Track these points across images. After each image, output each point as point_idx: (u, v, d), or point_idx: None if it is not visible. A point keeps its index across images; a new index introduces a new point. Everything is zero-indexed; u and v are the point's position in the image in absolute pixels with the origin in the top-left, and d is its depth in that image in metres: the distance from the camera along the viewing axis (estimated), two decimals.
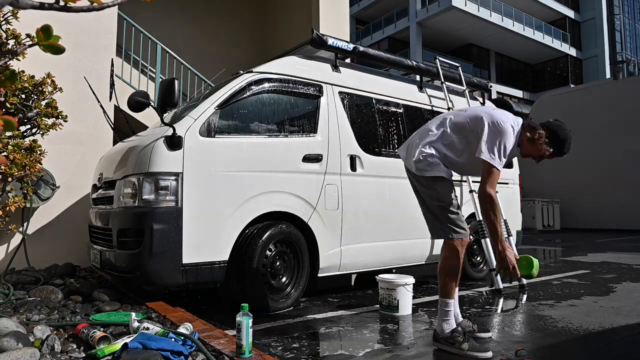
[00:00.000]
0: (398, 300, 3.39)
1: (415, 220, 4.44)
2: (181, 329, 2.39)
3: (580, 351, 2.59)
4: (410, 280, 3.44)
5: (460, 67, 5.49)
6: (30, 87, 3.61)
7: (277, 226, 3.42)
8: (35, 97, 3.69)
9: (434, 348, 2.58)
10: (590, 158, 15.83)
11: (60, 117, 3.82)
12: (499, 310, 3.55)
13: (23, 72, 3.63)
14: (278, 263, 3.49)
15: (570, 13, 30.03)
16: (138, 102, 3.12)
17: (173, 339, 2.20)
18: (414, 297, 3.52)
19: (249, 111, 3.53)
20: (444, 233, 2.55)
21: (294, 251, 3.58)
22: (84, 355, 2.17)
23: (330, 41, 4.05)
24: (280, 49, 6.05)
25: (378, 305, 3.56)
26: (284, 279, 3.53)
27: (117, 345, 2.14)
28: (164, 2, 7.95)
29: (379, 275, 3.54)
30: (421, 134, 2.72)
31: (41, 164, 3.70)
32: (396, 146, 4.42)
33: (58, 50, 0.88)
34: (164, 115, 3.22)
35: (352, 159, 3.98)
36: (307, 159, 3.68)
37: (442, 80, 5.15)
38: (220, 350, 2.21)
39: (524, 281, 4.52)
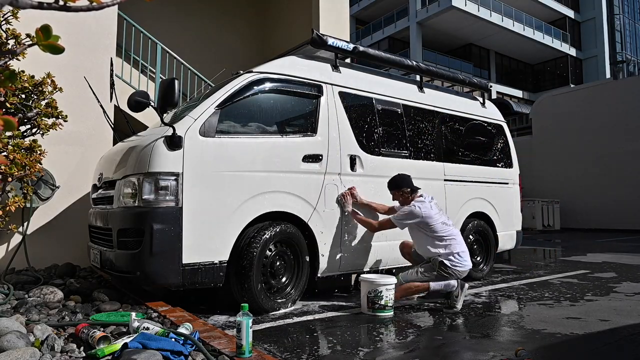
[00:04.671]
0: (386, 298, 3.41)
1: None
2: (181, 329, 2.40)
3: (580, 351, 2.59)
4: (391, 280, 3.43)
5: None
6: (30, 87, 3.61)
7: (277, 226, 3.42)
8: (35, 97, 3.69)
9: (435, 345, 2.58)
10: (590, 158, 15.82)
11: (60, 117, 3.82)
12: (500, 311, 3.55)
13: (23, 72, 3.63)
14: (278, 263, 3.49)
15: (570, 13, 30.01)
16: (138, 102, 3.11)
17: (173, 339, 2.20)
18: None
19: (249, 111, 3.53)
20: None
21: (293, 251, 3.58)
22: (84, 355, 2.18)
23: (330, 41, 4.05)
24: (280, 49, 6.04)
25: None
26: (283, 279, 3.53)
27: (117, 345, 2.14)
28: (164, 2, 7.95)
29: (362, 275, 3.53)
30: None
31: (41, 164, 3.70)
32: (396, 146, 4.43)
33: (58, 50, 0.88)
34: (164, 115, 3.22)
35: (352, 159, 3.98)
36: (307, 158, 3.68)
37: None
38: (220, 350, 2.21)
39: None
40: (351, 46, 4.22)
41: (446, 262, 3.66)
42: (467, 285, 3.64)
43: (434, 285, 3.62)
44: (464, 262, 3.73)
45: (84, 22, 5.02)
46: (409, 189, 3.88)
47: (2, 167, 3.20)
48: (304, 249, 3.61)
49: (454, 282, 3.60)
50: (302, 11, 8.11)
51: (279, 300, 3.44)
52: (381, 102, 4.42)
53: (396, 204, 4.04)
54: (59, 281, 3.91)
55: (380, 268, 4.20)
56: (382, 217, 4.03)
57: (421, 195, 3.90)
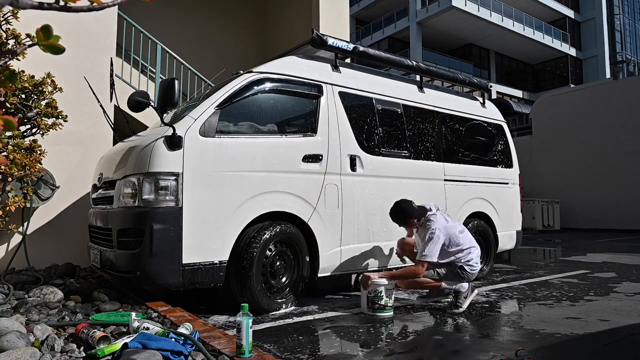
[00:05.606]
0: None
1: None
2: (181, 329, 2.40)
3: (580, 351, 2.59)
4: (382, 281, 3.42)
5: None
6: (30, 87, 3.61)
7: (277, 226, 3.42)
8: (35, 97, 3.69)
9: (435, 345, 2.58)
10: (590, 158, 15.82)
11: (60, 117, 3.82)
12: (500, 311, 3.55)
13: (23, 72, 3.63)
14: (278, 263, 3.49)
15: (570, 13, 30.02)
16: (138, 102, 3.11)
17: (173, 339, 2.20)
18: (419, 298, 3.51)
19: (248, 111, 3.53)
20: None
21: (293, 251, 3.58)
22: (84, 355, 2.18)
23: (330, 41, 4.05)
24: (280, 49, 6.04)
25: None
26: (283, 279, 3.53)
27: (117, 345, 2.14)
28: (164, 2, 7.95)
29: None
30: None
31: (41, 164, 3.70)
32: (396, 146, 4.42)
33: (58, 50, 0.88)
34: (164, 115, 3.22)
35: (352, 159, 3.98)
36: (307, 158, 3.68)
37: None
38: (220, 350, 2.21)
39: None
40: (351, 46, 4.22)
41: (466, 267, 3.66)
42: (477, 290, 3.63)
43: (445, 284, 3.62)
44: (478, 266, 3.77)
45: (84, 22, 5.02)
46: (421, 217, 3.73)
47: (2, 167, 3.20)
48: (304, 249, 3.61)
49: (465, 285, 3.61)
50: (302, 11, 8.11)
51: (279, 300, 3.44)
52: (381, 102, 4.42)
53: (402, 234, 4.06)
54: (59, 281, 3.91)
55: (380, 268, 4.19)
56: (410, 263, 3.98)
57: (428, 210, 3.81)
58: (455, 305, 3.52)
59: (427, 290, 3.89)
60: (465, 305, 3.50)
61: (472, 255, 3.71)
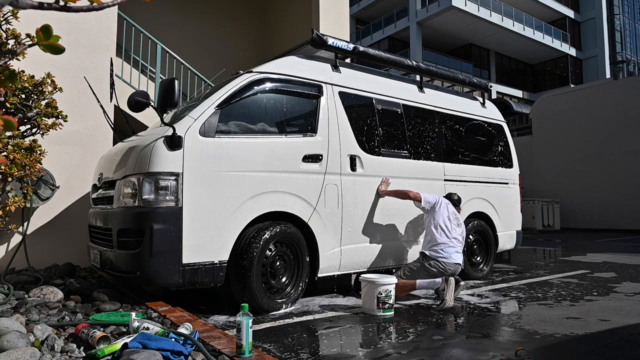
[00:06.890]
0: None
1: (415, 221, 4.45)
2: (181, 329, 2.40)
3: (580, 351, 2.59)
4: (395, 279, 3.47)
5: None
6: (30, 87, 3.61)
7: (277, 226, 3.42)
8: (35, 97, 3.69)
9: (435, 345, 2.58)
10: (590, 158, 15.82)
11: (60, 117, 3.82)
12: (500, 311, 3.55)
13: (23, 72, 3.63)
14: (278, 263, 3.49)
15: (570, 13, 30.00)
16: (138, 102, 3.11)
17: (173, 339, 2.20)
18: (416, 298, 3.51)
19: (248, 111, 3.53)
20: None
21: (293, 251, 3.58)
22: (84, 355, 2.18)
23: (330, 41, 4.05)
24: (280, 49, 6.04)
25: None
26: (283, 279, 3.53)
27: (117, 345, 2.14)
28: (164, 2, 7.95)
29: (367, 276, 3.50)
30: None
31: (41, 164, 3.70)
32: (396, 146, 4.42)
33: (58, 50, 0.88)
34: (164, 115, 3.22)
35: (352, 159, 3.99)
36: (307, 158, 3.68)
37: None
38: (220, 350, 2.21)
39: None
40: (351, 46, 4.22)
41: (426, 252, 3.83)
42: (453, 279, 3.58)
43: (420, 282, 3.77)
44: (447, 255, 3.85)
45: (84, 22, 5.02)
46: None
47: (2, 167, 3.20)
48: (304, 249, 3.61)
49: (438, 279, 3.66)
50: (302, 11, 8.12)
51: (279, 300, 3.44)
52: (381, 102, 4.42)
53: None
54: (59, 281, 3.91)
55: (380, 267, 4.20)
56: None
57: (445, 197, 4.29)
58: (440, 301, 3.57)
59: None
60: (447, 297, 3.50)
61: (438, 240, 3.88)
